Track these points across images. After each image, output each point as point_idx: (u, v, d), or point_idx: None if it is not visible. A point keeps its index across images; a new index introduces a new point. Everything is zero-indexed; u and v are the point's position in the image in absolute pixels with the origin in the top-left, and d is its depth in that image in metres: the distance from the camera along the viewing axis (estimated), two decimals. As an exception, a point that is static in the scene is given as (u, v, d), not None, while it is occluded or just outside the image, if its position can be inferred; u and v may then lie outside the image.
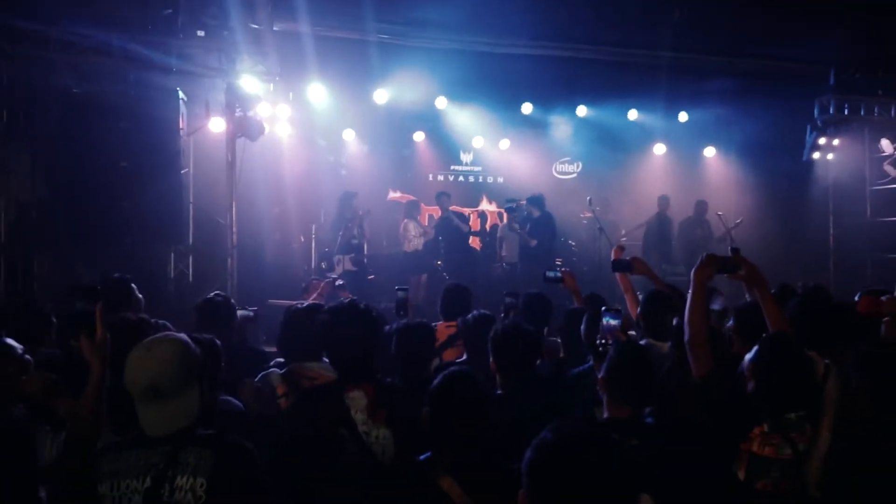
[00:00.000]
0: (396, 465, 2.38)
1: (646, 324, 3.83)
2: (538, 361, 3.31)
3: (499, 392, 3.01)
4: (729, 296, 4.45)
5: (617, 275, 4.55)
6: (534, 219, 9.71)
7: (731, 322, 3.55)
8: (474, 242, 11.05)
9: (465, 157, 12.45)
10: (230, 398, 2.98)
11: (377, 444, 2.47)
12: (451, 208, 10.27)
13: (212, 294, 4.00)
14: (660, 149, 12.29)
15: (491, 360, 3.07)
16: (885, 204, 10.61)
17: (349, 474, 2.35)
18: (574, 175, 12.89)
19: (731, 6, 8.07)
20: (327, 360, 2.99)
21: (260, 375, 3.16)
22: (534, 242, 9.49)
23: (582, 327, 3.58)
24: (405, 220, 9.96)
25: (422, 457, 2.07)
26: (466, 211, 11.71)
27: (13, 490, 2.36)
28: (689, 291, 2.81)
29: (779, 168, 11.03)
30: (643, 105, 11.40)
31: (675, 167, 12.20)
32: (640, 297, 4.19)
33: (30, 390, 2.67)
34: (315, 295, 5.72)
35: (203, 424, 2.11)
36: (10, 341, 2.60)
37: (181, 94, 7.62)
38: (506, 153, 12.14)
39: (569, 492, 1.31)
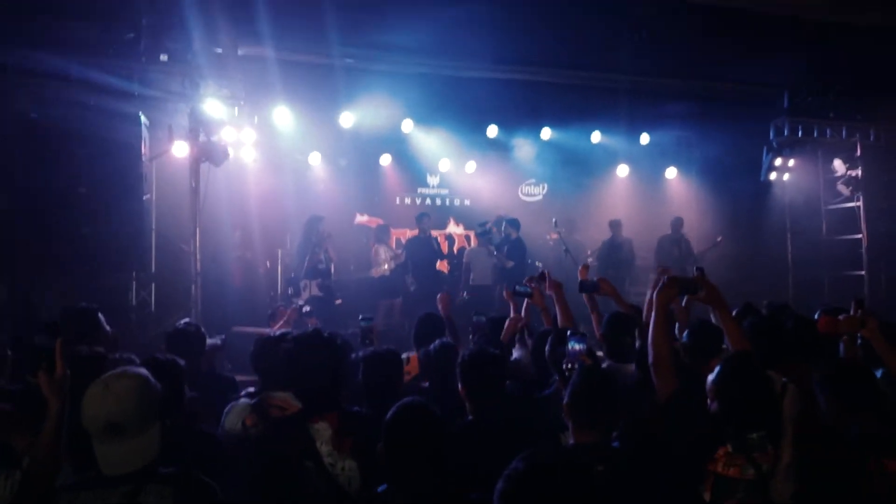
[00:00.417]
0: (362, 497, 2.35)
1: (607, 346, 3.87)
2: (507, 383, 3.31)
3: (469, 418, 3.00)
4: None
5: (583, 295, 4.59)
6: (511, 241, 9.81)
7: (685, 338, 3.61)
8: (442, 266, 11.06)
9: (432, 180, 12.50)
10: (202, 427, 2.94)
11: (343, 475, 2.44)
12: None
13: (182, 323, 3.95)
14: (623, 170, 12.51)
15: (460, 385, 3.07)
16: (840, 222, 10.95)
17: (315, 508, 2.32)
18: (539, 197, 13.03)
19: (688, 31, 8.29)
20: (297, 390, 2.95)
21: (229, 406, 3.11)
22: (510, 264, 9.59)
23: (546, 348, 3.59)
24: (375, 245, 9.94)
25: (380, 489, 2.05)
26: (434, 233, 11.71)
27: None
28: (652, 313, 2.85)
29: (738, 188, 11.33)
30: (606, 127, 11.60)
31: (639, 188, 12.44)
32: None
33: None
34: (281, 322, 5.65)
35: (174, 453, 2.06)
36: None
37: (143, 119, 7.53)
38: (472, 176, 12.22)
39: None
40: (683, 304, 3.89)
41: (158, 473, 1.99)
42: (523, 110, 10.87)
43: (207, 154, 7.70)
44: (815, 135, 10.32)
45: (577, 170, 12.27)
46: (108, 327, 4.08)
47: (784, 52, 8.74)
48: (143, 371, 2.15)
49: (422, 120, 10.80)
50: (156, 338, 7.18)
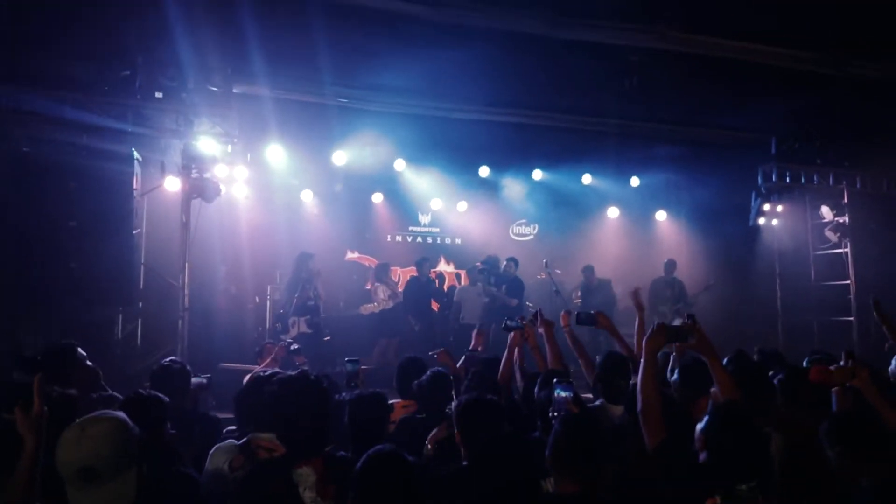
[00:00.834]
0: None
1: (602, 387, 3.85)
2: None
3: (464, 464, 2.95)
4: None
5: (568, 339, 4.58)
6: (510, 279, 9.85)
7: (675, 377, 3.60)
8: (433, 305, 11.02)
9: (424, 219, 12.55)
10: (185, 468, 2.87)
11: (326, 523, 2.38)
12: (410, 271, 10.32)
13: (167, 360, 3.90)
14: (613, 212, 12.62)
15: (456, 431, 3.02)
16: (828, 268, 11.01)
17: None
18: (531, 237, 13.09)
19: (678, 77, 8.45)
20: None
21: (215, 447, 3.04)
22: (515, 302, 9.69)
23: (535, 390, 3.57)
24: (374, 284, 9.94)
25: None
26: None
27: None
28: (641, 361, 2.83)
29: (727, 232, 11.42)
30: (596, 170, 11.76)
31: (629, 230, 12.54)
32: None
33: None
34: (269, 360, 5.58)
35: (152, 493, 2.00)
36: None
37: (136, 155, 7.55)
38: (463, 215, 12.29)
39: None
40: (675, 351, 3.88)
41: (134, 520, 1.94)
42: (515, 152, 11.01)
43: (199, 190, 7.71)
44: (803, 181, 10.46)
45: (568, 211, 12.38)
46: (88, 363, 4.01)
47: (771, 99, 8.91)
48: (121, 414, 2.10)
49: (414, 159, 10.91)
50: (141, 372, 7.09)
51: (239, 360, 8.14)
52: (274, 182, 10.34)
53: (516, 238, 13.01)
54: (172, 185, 7.94)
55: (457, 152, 10.76)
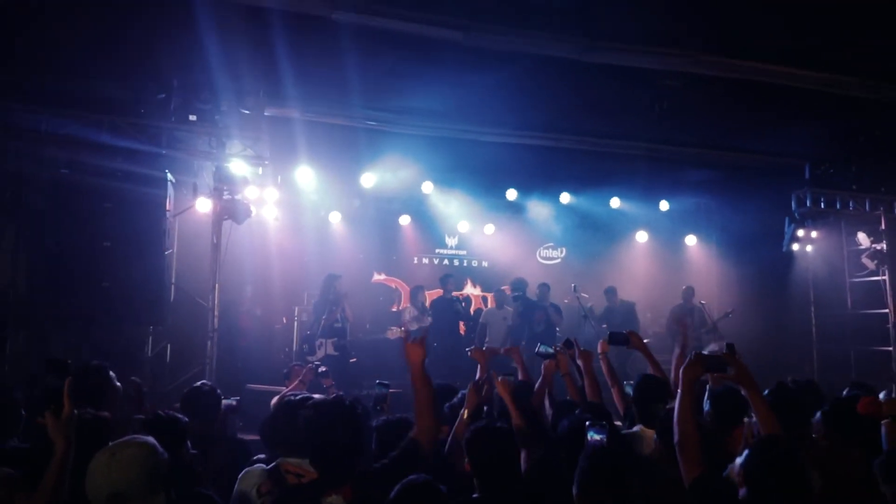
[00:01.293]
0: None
1: (638, 410, 3.77)
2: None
3: (475, 496, 2.87)
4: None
5: (603, 367, 4.51)
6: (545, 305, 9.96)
7: (708, 407, 3.50)
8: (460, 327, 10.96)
9: (450, 241, 12.54)
10: (205, 490, 2.85)
11: (353, 552, 2.33)
12: (437, 292, 10.30)
13: (198, 383, 3.90)
14: (642, 236, 12.48)
15: (466, 460, 2.95)
16: (865, 296, 10.72)
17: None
18: (558, 260, 13.00)
19: (710, 101, 8.37)
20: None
21: (244, 471, 3.02)
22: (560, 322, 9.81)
23: (564, 422, 3.48)
24: (407, 305, 9.97)
25: None
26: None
27: None
28: (678, 391, 2.75)
29: (760, 258, 11.19)
30: (625, 193, 11.66)
31: (658, 254, 12.38)
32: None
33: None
34: (296, 382, 5.56)
35: None
36: None
37: (169, 176, 7.67)
38: (490, 238, 12.26)
39: None
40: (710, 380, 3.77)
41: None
42: (543, 175, 10.98)
43: (230, 212, 7.79)
44: (838, 206, 10.23)
45: (596, 234, 12.28)
46: (118, 384, 4.03)
47: (806, 123, 8.77)
48: (150, 439, 2.09)
49: (441, 182, 10.93)
50: (171, 392, 7.14)
51: (265, 380, 8.16)
52: (303, 204, 10.42)
53: (543, 261, 12.93)
54: (204, 206, 8.04)
55: (484, 175, 10.77)
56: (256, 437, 4.22)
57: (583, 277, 11.25)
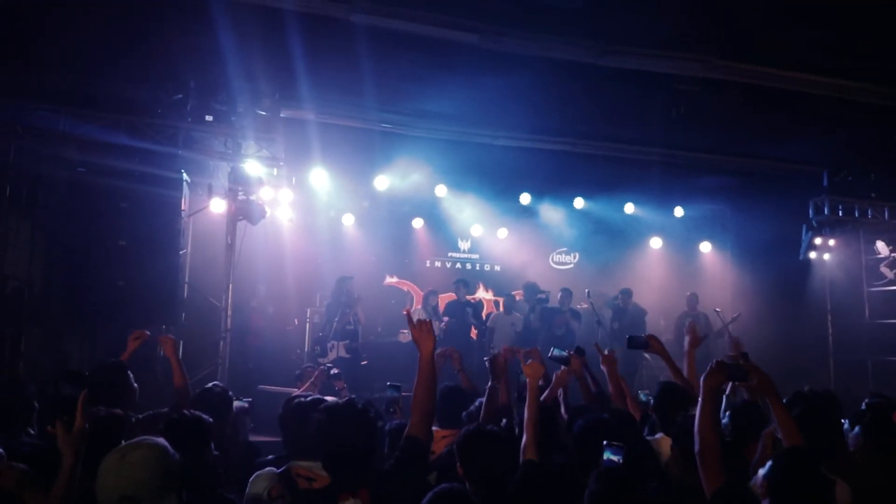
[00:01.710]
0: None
1: (660, 418, 3.74)
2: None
3: None
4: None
5: (604, 369, 4.46)
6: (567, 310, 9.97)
7: (726, 419, 3.45)
8: (472, 333, 10.92)
9: (463, 245, 12.52)
10: (227, 494, 2.84)
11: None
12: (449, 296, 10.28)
13: (210, 384, 3.89)
14: (656, 242, 12.40)
15: (458, 465, 2.90)
16: (884, 305, 10.58)
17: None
18: (571, 265, 12.93)
19: (726, 106, 8.29)
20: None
21: (255, 474, 3.00)
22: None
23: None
24: (418, 307, 9.94)
25: None
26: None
27: None
28: (699, 400, 2.71)
29: (776, 266, 11.06)
30: (639, 199, 11.59)
31: (672, 261, 12.29)
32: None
33: (2, 483, 2.51)
34: (308, 384, 5.54)
35: None
36: None
37: (185, 176, 7.70)
38: (503, 242, 12.22)
39: None
40: (728, 390, 3.71)
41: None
42: (556, 179, 10.92)
43: (245, 212, 7.81)
44: (857, 215, 10.11)
45: (610, 240, 12.21)
46: (135, 384, 4.03)
47: (824, 130, 8.67)
48: (161, 440, 2.07)
49: (455, 185, 10.90)
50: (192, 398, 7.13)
51: (276, 382, 8.16)
52: (316, 205, 10.44)
53: (556, 266, 12.87)
54: (218, 206, 8.07)
55: (498, 179, 10.74)
56: (268, 439, 4.21)
57: (596, 283, 11.19)
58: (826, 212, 10.05)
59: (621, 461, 2.77)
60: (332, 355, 8.62)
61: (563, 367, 4.34)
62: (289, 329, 10.14)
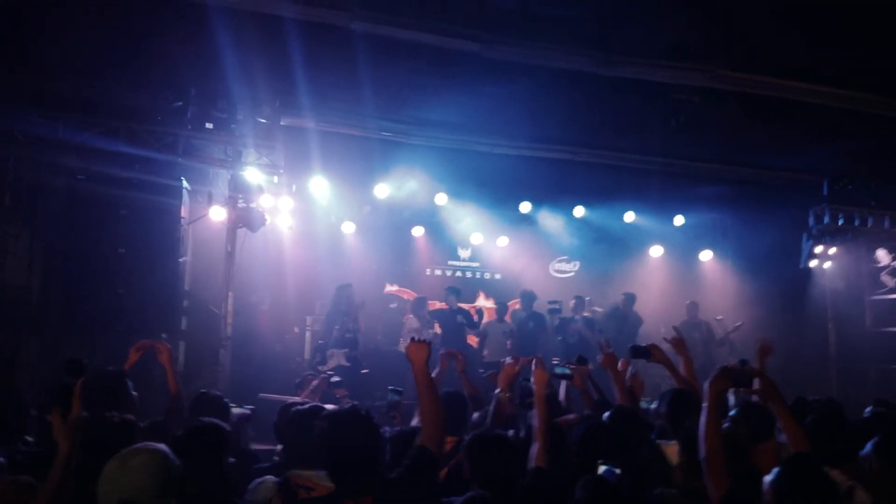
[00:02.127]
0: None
1: (670, 424, 3.70)
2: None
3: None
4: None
5: (610, 372, 4.43)
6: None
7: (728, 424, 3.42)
8: (472, 340, 10.89)
9: (463, 253, 12.50)
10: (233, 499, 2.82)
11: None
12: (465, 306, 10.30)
13: (203, 390, 3.86)
14: (657, 251, 12.38)
15: (466, 468, 2.90)
16: (886, 313, 10.57)
17: None
18: (571, 274, 12.91)
19: (727, 116, 8.30)
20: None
21: (254, 483, 2.97)
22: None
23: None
24: (409, 316, 9.89)
25: None
26: (465, 307, 11.59)
27: None
28: (704, 405, 2.68)
29: (776, 274, 11.05)
30: (639, 207, 11.59)
31: (673, 269, 12.27)
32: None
33: (3, 498, 2.49)
34: (307, 392, 5.52)
35: None
36: None
37: (185, 184, 7.69)
38: (504, 250, 12.21)
39: None
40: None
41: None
42: (557, 187, 10.93)
43: (245, 220, 7.80)
44: (857, 224, 10.11)
45: (611, 248, 12.20)
46: (134, 392, 3.99)
47: (824, 139, 8.69)
48: (162, 447, 2.07)
49: (455, 193, 10.90)
50: (184, 399, 7.09)
51: (278, 390, 8.11)
52: (316, 213, 10.43)
53: (557, 275, 12.85)
54: (218, 214, 8.05)
55: (498, 187, 10.74)
56: (269, 447, 4.17)
57: (596, 291, 11.18)
58: (826, 220, 10.04)
59: (614, 478, 2.75)
60: (331, 363, 8.58)
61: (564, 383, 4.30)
62: (287, 337, 10.10)
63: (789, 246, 10.65)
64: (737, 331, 10.26)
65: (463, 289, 12.08)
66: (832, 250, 10.43)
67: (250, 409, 4.28)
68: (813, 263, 10.59)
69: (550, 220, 11.93)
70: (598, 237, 12.09)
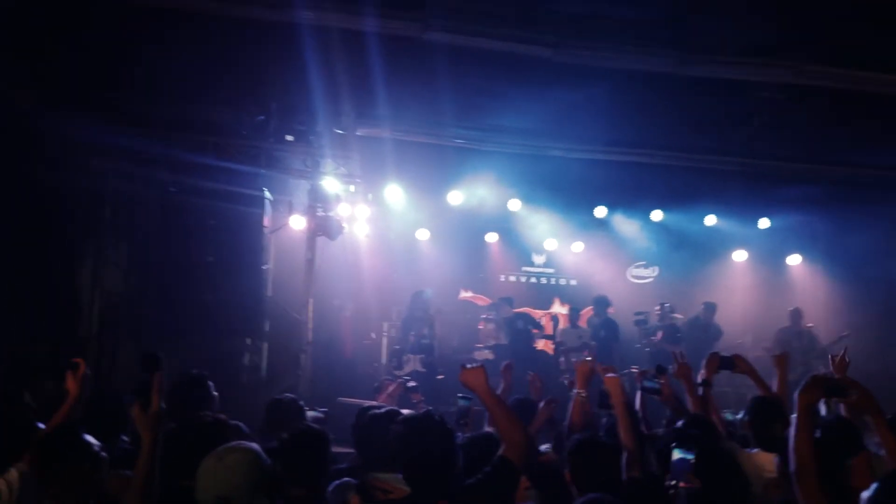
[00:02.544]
0: None
1: (754, 433, 3.62)
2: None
3: None
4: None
5: (683, 383, 4.30)
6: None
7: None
8: (546, 346, 10.79)
9: (538, 259, 12.40)
10: None
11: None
12: (523, 310, 10.19)
13: (280, 395, 3.99)
14: (740, 255, 11.91)
15: (567, 471, 2.92)
16: None
17: None
18: (650, 279, 12.59)
19: (815, 113, 7.94)
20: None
21: (333, 485, 3.05)
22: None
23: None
24: (491, 314, 10.07)
25: None
26: (539, 313, 11.50)
27: None
28: (793, 416, 2.58)
29: (873, 279, 10.43)
30: (721, 211, 11.20)
31: (758, 274, 11.77)
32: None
33: (111, 490, 2.63)
34: (384, 396, 5.61)
35: None
36: (87, 438, 2.57)
37: (267, 194, 7.99)
38: (579, 256, 12.04)
39: None
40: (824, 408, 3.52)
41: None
42: (633, 191, 10.71)
43: (324, 228, 8.03)
44: (963, 224, 9.44)
45: (691, 253, 11.81)
46: (215, 393, 4.17)
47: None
48: (254, 446, 2.17)
49: (529, 199, 10.86)
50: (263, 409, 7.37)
51: (357, 394, 8.28)
52: (392, 221, 10.61)
53: (634, 280, 12.56)
54: (298, 223, 8.32)
55: (573, 192, 10.61)
56: (346, 450, 4.25)
57: (677, 297, 10.86)
58: (927, 221, 9.44)
59: (692, 461, 2.67)
60: (407, 368, 8.69)
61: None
62: (365, 343, 10.30)
63: (887, 249, 10.03)
64: (842, 341, 9.71)
65: (538, 295, 12.04)
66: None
67: (324, 411, 4.37)
68: (912, 267, 9.97)
69: (626, 225, 11.69)
70: (677, 241, 11.74)
